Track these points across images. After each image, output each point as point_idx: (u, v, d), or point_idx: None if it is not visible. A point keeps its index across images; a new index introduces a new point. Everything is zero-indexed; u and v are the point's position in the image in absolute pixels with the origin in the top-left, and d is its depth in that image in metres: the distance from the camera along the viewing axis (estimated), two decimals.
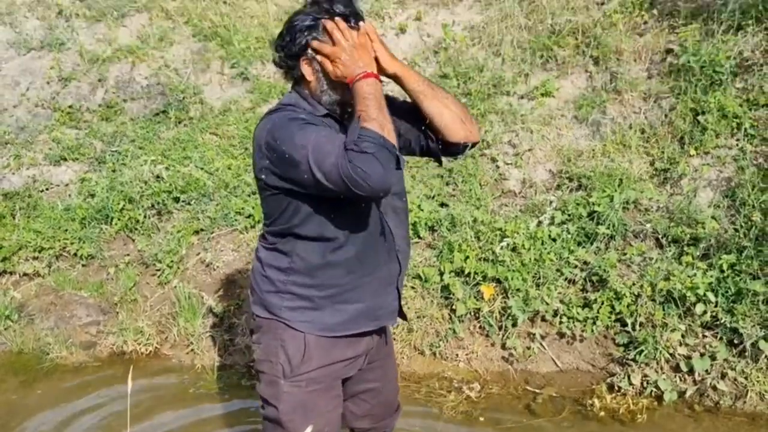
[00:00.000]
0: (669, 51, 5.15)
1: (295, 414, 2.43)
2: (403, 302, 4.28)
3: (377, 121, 2.09)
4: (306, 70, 2.28)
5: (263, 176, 2.29)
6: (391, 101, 2.47)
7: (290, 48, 2.27)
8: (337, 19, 2.21)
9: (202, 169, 5.52)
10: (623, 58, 5.23)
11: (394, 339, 4.37)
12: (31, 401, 4.36)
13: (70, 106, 6.28)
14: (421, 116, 2.45)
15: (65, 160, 5.94)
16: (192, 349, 4.66)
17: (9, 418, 4.16)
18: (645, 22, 5.37)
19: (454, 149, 2.52)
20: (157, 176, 5.50)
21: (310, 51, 2.25)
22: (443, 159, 2.63)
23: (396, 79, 2.38)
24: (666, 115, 4.86)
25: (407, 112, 2.50)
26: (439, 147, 2.51)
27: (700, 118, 4.66)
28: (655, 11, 5.37)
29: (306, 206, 2.27)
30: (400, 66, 2.37)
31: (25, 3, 7.12)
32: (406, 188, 4.72)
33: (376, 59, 2.28)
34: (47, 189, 5.82)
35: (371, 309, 2.46)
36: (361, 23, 2.25)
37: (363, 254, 2.37)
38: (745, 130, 4.51)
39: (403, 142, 2.52)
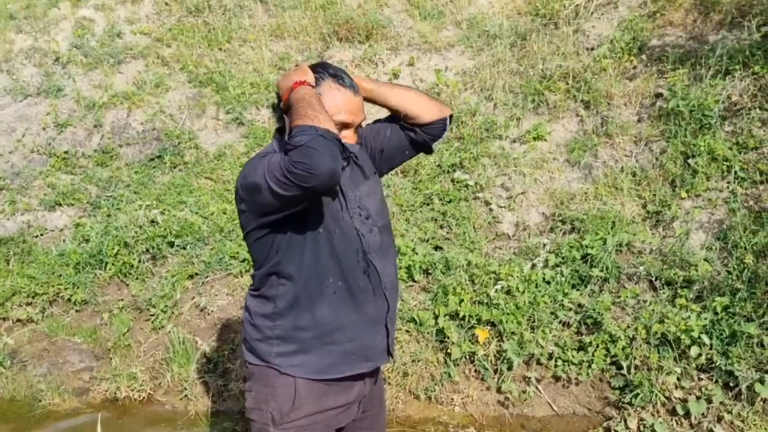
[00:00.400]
0: (658, 95, 5.23)
1: None
2: (397, 346, 4.29)
3: (308, 116, 2.09)
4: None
5: (243, 220, 2.33)
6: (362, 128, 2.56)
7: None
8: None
9: (196, 213, 5.54)
10: (613, 102, 5.30)
11: (389, 383, 4.35)
12: None
13: (65, 152, 6.32)
14: (393, 113, 2.57)
15: (60, 205, 5.96)
16: (186, 395, 4.62)
17: None
18: (634, 67, 5.46)
19: (435, 130, 2.59)
20: (152, 221, 5.51)
21: None
22: (432, 145, 2.66)
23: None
24: (657, 159, 4.91)
25: (379, 127, 2.61)
26: (421, 136, 2.59)
27: (690, 161, 4.72)
28: (644, 56, 5.46)
29: (286, 242, 2.30)
30: (354, 78, 2.45)
31: (23, 50, 7.21)
32: (400, 231, 4.73)
33: None
34: (42, 234, 5.82)
35: (361, 348, 2.44)
36: None
37: (347, 293, 2.37)
38: (735, 172, 4.57)
39: (391, 151, 2.60)
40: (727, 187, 4.58)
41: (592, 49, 5.77)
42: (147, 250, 5.35)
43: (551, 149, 5.32)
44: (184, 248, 5.33)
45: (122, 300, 5.21)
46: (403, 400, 4.38)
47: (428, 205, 5.20)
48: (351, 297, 2.38)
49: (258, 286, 2.44)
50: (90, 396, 4.78)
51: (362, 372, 2.48)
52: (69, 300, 5.22)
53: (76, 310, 5.24)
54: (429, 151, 2.69)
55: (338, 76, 2.35)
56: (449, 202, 5.17)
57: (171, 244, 5.36)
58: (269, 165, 2.11)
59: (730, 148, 4.67)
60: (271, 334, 2.40)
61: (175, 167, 6.12)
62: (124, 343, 4.92)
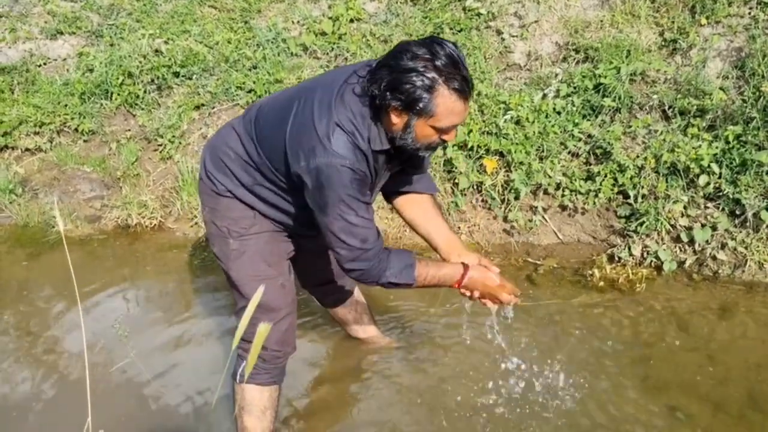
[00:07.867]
0: None
1: (244, 261, 2.55)
2: None
3: (425, 279, 2.44)
4: (395, 118, 2.16)
5: (292, 173, 2.28)
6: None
7: (396, 96, 2.10)
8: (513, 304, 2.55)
9: (201, 43, 5.41)
10: None
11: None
12: (37, 272, 4.44)
13: None
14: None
15: (62, 33, 5.81)
16: (196, 222, 4.69)
17: (18, 288, 4.25)
18: None
19: None
20: (156, 50, 5.39)
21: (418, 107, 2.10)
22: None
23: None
24: None
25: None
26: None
27: None
28: None
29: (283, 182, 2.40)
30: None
31: None
32: None
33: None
34: (45, 63, 5.71)
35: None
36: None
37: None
38: None
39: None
40: (749, 13, 4.40)
41: None
42: (152, 81, 5.27)
43: None
44: (190, 78, 5.24)
45: (129, 130, 5.19)
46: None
47: (438, 34, 5.04)
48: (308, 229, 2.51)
49: (251, 164, 2.44)
50: (102, 223, 4.87)
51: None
52: (76, 130, 5.21)
53: (84, 140, 5.24)
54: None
55: (457, 87, 2.08)
56: (460, 31, 5.00)
57: (176, 74, 5.26)
58: (355, 225, 2.24)
59: None
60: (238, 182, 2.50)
61: None
62: (133, 172, 4.95)
